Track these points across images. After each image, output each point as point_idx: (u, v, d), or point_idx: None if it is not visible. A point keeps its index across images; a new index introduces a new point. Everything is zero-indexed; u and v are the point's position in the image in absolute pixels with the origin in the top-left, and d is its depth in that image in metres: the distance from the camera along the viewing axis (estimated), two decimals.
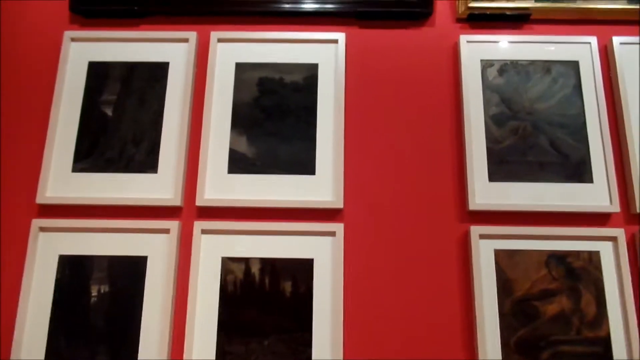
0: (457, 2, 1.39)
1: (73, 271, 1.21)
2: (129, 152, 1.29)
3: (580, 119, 1.27)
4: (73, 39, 1.38)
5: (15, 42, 1.41)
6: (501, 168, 1.24)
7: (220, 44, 1.37)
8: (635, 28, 1.38)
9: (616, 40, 1.34)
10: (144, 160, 1.28)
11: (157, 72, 1.36)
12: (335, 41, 1.36)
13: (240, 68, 1.36)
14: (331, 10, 1.38)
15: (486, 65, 1.33)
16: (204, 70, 1.35)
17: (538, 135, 1.26)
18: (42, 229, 1.23)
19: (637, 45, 1.33)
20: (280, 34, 1.37)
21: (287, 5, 1.39)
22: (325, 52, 1.36)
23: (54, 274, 1.20)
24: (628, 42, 1.34)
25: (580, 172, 1.24)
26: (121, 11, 1.40)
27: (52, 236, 1.23)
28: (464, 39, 1.34)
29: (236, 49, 1.37)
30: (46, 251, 1.22)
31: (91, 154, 1.30)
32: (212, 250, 1.22)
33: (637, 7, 1.36)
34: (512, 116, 1.28)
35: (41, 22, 1.42)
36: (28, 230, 1.23)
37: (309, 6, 1.39)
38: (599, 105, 1.28)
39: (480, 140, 1.26)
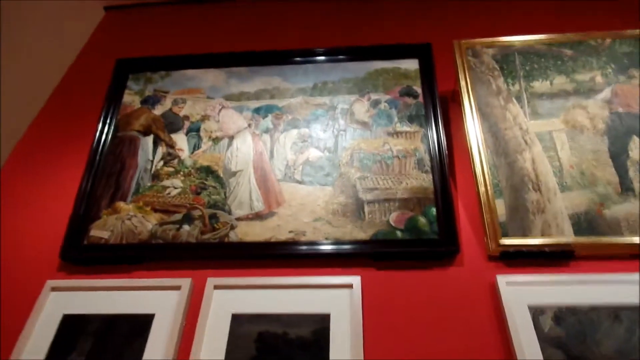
0: (485, 239, 1.23)
1: None
2: None
3: None
4: (54, 289, 1.23)
5: None
6: None
7: (216, 292, 1.18)
8: None
9: None
10: None
11: (139, 325, 1.15)
12: (350, 286, 1.16)
13: (237, 320, 1.14)
14: (344, 251, 1.23)
15: (537, 312, 1.08)
16: (194, 323, 1.13)
17: None
18: None
19: None
20: (285, 279, 1.19)
21: (303, 247, 1.25)
22: (338, 299, 1.15)
23: None
24: None
25: None
26: (114, 258, 1.28)
27: None
28: (502, 279, 1.14)
29: (234, 297, 1.18)
30: None
31: None
32: None
33: None
34: None
35: (27, 266, 1.30)
36: None
37: (324, 248, 1.24)
38: None
39: None
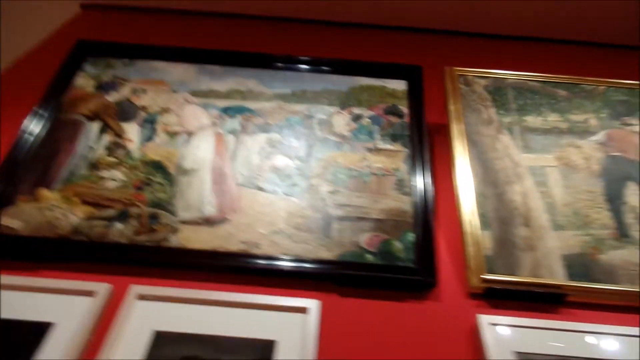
0: (465, 272, 1.06)
1: None
2: None
3: None
4: None
5: None
6: None
7: (139, 303, 0.96)
8: None
9: None
10: None
11: (32, 337, 0.89)
12: (305, 310, 0.95)
13: (160, 339, 0.91)
14: (303, 270, 1.04)
15: None
16: (103, 340, 0.89)
17: None
18: None
19: None
20: (226, 294, 0.98)
21: (255, 261, 1.05)
22: (289, 324, 0.94)
23: None
24: None
25: None
26: (21, 252, 1.04)
27: None
28: (484, 320, 0.96)
29: (161, 311, 0.95)
30: None
31: None
32: None
33: None
34: None
35: None
36: None
37: (280, 264, 1.04)
38: None
39: None
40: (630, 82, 1.49)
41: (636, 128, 1.37)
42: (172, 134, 1.30)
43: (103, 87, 1.40)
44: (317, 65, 1.49)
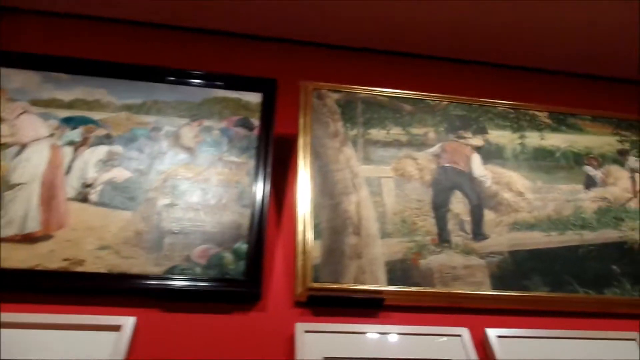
0: (294, 281, 1.11)
1: None
2: None
3: None
4: None
5: None
6: None
7: None
8: (507, 319, 1.14)
9: (491, 332, 1.07)
10: None
11: None
12: (117, 328, 0.94)
13: None
14: (125, 287, 1.02)
15: None
16: None
17: None
18: None
19: (518, 339, 1.06)
20: (29, 316, 0.94)
21: (75, 279, 1.02)
22: (98, 344, 0.92)
23: None
24: (506, 335, 1.07)
25: None
26: None
27: None
28: (300, 327, 1.00)
29: None
30: None
31: None
32: None
33: (504, 294, 1.16)
34: None
35: None
36: None
37: (102, 281, 1.03)
38: None
39: None
40: (469, 98, 1.63)
41: (469, 140, 1.51)
42: (2, 146, 1.22)
43: None
44: (172, 75, 1.47)
